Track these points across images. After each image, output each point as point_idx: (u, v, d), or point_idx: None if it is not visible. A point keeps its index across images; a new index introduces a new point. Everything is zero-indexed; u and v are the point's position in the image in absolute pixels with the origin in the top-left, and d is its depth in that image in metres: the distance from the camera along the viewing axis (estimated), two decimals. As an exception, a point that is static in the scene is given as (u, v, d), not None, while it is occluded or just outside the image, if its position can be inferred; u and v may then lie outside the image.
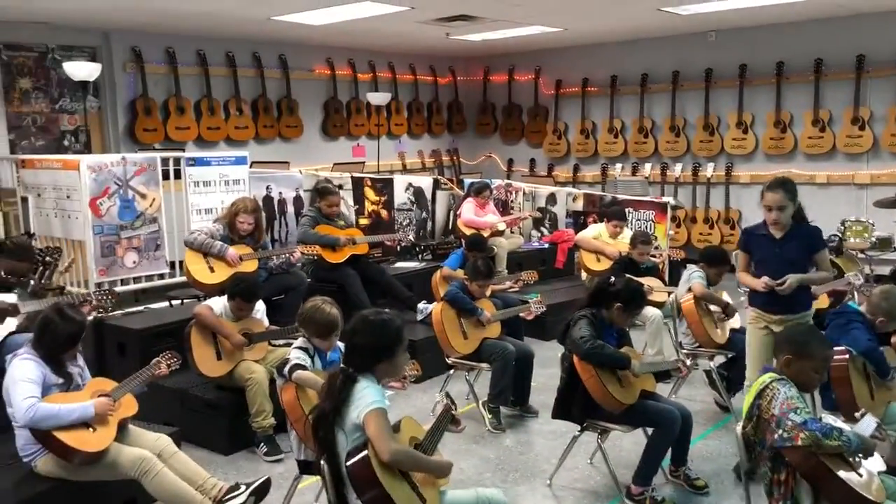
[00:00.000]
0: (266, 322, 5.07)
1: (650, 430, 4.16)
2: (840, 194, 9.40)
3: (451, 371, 5.42)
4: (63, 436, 3.49)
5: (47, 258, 5.32)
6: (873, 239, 7.69)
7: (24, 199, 6.82)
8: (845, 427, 2.93)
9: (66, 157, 6.97)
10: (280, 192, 7.67)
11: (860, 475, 2.85)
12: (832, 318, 4.27)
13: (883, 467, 3.05)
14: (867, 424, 3.09)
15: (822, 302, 5.97)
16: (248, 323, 4.91)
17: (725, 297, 5.48)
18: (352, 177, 8.52)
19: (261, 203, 6.93)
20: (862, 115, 9.19)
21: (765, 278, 4.18)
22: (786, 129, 9.75)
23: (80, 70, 7.86)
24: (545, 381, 5.64)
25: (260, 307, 5.04)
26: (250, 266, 5.86)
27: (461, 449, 4.84)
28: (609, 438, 4.29)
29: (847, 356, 3.90)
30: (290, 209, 7.72)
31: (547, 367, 5.64)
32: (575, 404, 4.13)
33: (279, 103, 10.35)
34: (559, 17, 9.06)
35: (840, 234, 7.72)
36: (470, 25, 9.28)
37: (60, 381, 3.70)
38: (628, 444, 4.70)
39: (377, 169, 10.49)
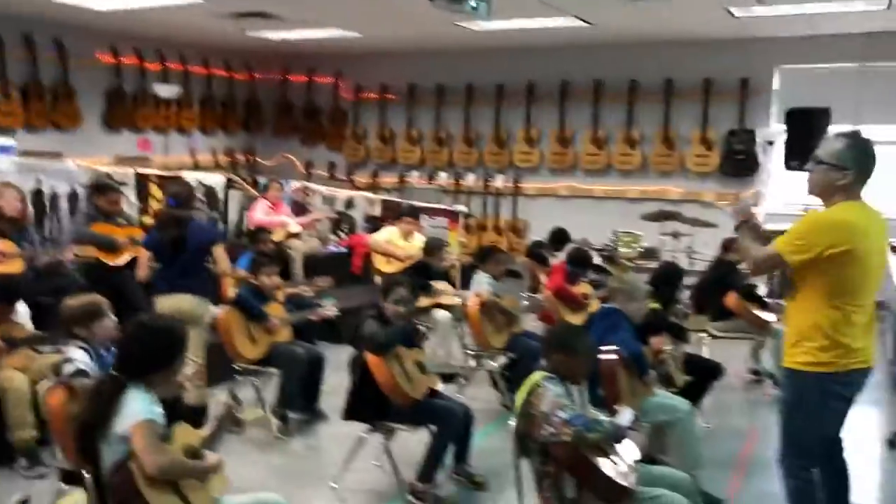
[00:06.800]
0: (30, 325, 4.65)
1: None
2: (614, 208, 10.20)
3: (239, 377, 5.26)
4: None
5: None
6: (641, 249, 8.47)
7: None
8: (604, 418, 3.19)
9: None
10: (52, 186, 7.05)
11: (615, 463, 3.10)
12: (600, 319, 4.59)
13: (639, 456, 3.33)
14: (626, 417, 3.37)
15: (594, 307, 6.44)
16: (9, 327, 4.47)
17: (514, 302, 5.77)
18: (136, 172, 8.02)
19: (29, 197, 6.34)
20: (634, 136, 10.05)
21: None
22: (568, 146, 10.44)
23: None
24: (337, 384, 5.59)
25: (22, 309, 4.62)
26: (15, 266, 5.34)
27: (247, 457, 4.70)
28: (397, 439, 4.36)
29: (617, 356, 4.22)
30: (64, 205, 7.12)
31: (340, 370, 5.59)
32: (366, 405, 4.17)
33: (54, 90, 9.54)
34: (354, 20, 9.09)
35: (612, 244, 8.44)
36: (267, 23, 9.09)
37: None
38: (414, 444, 4.78)
39: (165, 165, 9.96)
